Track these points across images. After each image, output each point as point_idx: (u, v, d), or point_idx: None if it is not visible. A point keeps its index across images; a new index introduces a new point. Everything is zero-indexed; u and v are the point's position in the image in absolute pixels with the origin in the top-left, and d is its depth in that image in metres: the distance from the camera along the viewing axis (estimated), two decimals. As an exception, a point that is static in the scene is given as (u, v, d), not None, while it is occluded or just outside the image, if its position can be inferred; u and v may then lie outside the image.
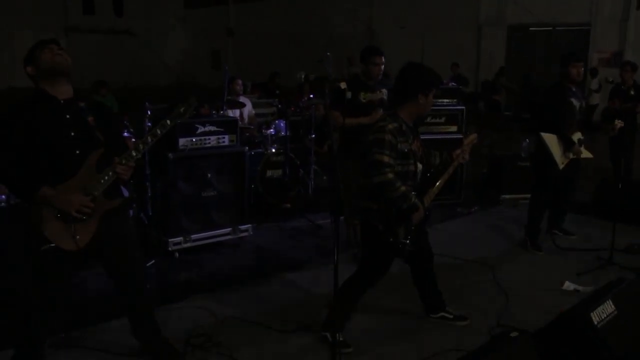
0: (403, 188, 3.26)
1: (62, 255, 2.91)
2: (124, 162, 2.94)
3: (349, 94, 2.71)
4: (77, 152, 2.93)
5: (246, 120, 7.69)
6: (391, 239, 3.33)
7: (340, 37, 19.84)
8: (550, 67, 15.41)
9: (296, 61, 20.11)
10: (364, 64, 4.95)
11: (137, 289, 3.32)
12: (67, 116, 2.95)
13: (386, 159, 3.24)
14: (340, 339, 3.38)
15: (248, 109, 7.78)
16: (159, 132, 2.99)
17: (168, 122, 3.01)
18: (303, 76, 2.73)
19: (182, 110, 3.05)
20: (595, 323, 3.00)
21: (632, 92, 7.20)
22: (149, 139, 2.99)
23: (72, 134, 2.94)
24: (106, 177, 2.94)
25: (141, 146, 3.00)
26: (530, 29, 16.79)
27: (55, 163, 2.90)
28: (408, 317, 4.07)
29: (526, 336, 2.81)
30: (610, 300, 3.18)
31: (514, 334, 2.76)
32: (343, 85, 2.73)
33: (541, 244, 5.53)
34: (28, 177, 2.86)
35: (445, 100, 6.96)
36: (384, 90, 5.03)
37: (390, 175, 3.23)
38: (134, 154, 2.96)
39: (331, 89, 2.81)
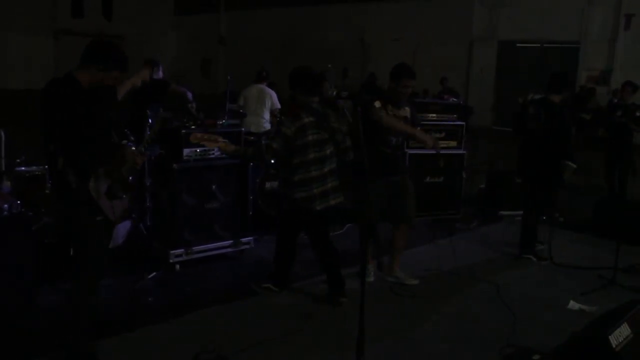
0: None
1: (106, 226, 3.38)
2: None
3: (382, 113, 2.71)
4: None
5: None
6: None
7: (333, 47, 19.88)
8: (540, 83, 15.58)
9: (287, 70, 20.14)
10: (394, 83, 4.65)
11: None
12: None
13: None
14: None
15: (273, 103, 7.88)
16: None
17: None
18: (335, 93, 2.71)
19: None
20: (614, 346, 2.98)
21: (638, 113, 7.27)
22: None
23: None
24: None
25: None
26: (521, 45, 16.97)
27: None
28: (411, 338, 4.04)
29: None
30: (626, 324, 3.17)
31: (536, 357, 2.72)
32: (378, 104, 2.71)
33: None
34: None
35: (445, 116, 7.00)
36: (407, 109, 4.82)
37: None
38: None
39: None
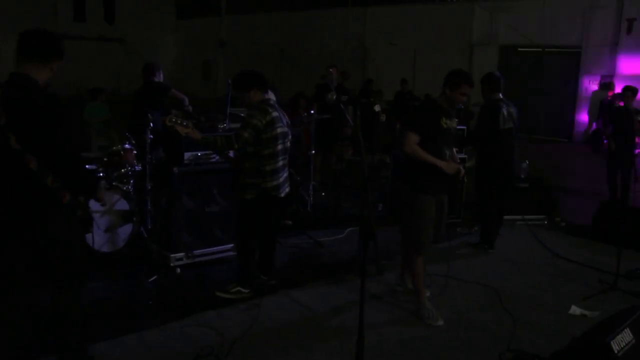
0: None
1: None
2: None
3: (383, 117, 2.68)
4: None
5: None
6: None
7: (332, 51, 19.88)
8: (541, 88, 15.58)
9: (287, 74, 20.25)
10: (449, 90, 4.26)
11: None
12: None
13: None
14: None
15: None
16: None
17: None
18: (334, 97, 2.70)
19: None
20: (616, 352, 2.97)
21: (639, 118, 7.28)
22: None
23: None
24: None
25: None
26: (522, 50, 16.95)
27: None
28: (411, 342, 4.03)
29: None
30: (628, 329, 3.15)
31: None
32: (378, 107, 2.69)
33: None
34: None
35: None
36: (456, 120, 4.49)
37: None
38: None
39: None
